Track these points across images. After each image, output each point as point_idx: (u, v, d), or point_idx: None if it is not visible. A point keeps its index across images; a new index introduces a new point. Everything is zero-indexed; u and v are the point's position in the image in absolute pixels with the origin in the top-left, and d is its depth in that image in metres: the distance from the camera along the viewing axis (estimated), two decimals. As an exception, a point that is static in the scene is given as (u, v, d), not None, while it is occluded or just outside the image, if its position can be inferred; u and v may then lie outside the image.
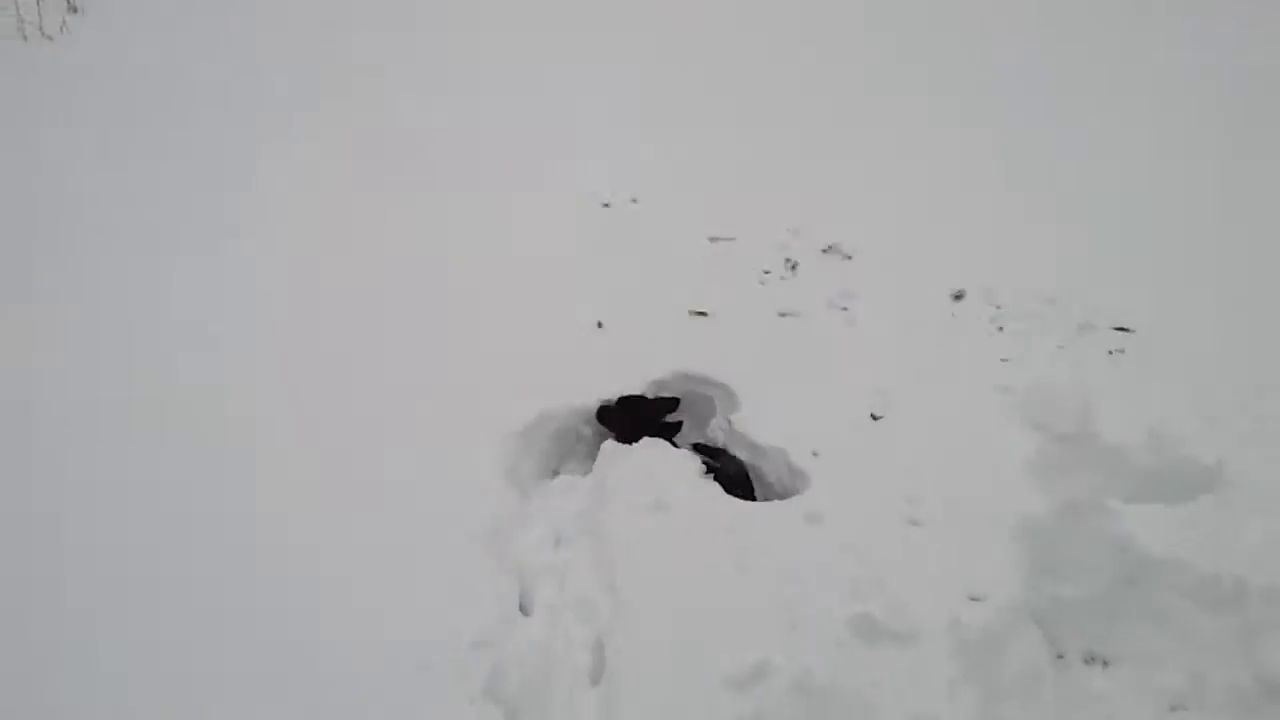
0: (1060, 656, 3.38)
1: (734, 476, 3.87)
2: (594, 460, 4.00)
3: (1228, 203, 5.70)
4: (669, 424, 4.17)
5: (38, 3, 7.63)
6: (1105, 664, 3.37)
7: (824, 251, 5.28)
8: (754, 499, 3.83)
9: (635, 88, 7.17)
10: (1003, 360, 4.39)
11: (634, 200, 5.73)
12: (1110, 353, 4.44)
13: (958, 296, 4.88)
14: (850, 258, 5.23)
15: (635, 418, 4.14)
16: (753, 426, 4.03)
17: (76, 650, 3.10)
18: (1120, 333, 4.57)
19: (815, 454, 3.89)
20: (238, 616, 3.21)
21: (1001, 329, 4.63)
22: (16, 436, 3.88)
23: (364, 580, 3.35)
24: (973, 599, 3.31)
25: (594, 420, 4.17)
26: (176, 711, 2.96)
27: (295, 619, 3.21)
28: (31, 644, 3.11)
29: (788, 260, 5.20)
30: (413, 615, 3.23)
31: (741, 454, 4.00)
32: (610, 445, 4.02)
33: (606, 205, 5.68)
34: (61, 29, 7.57)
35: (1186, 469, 3.75)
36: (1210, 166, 6.10)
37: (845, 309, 4.81)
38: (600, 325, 4.62)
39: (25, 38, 7.42)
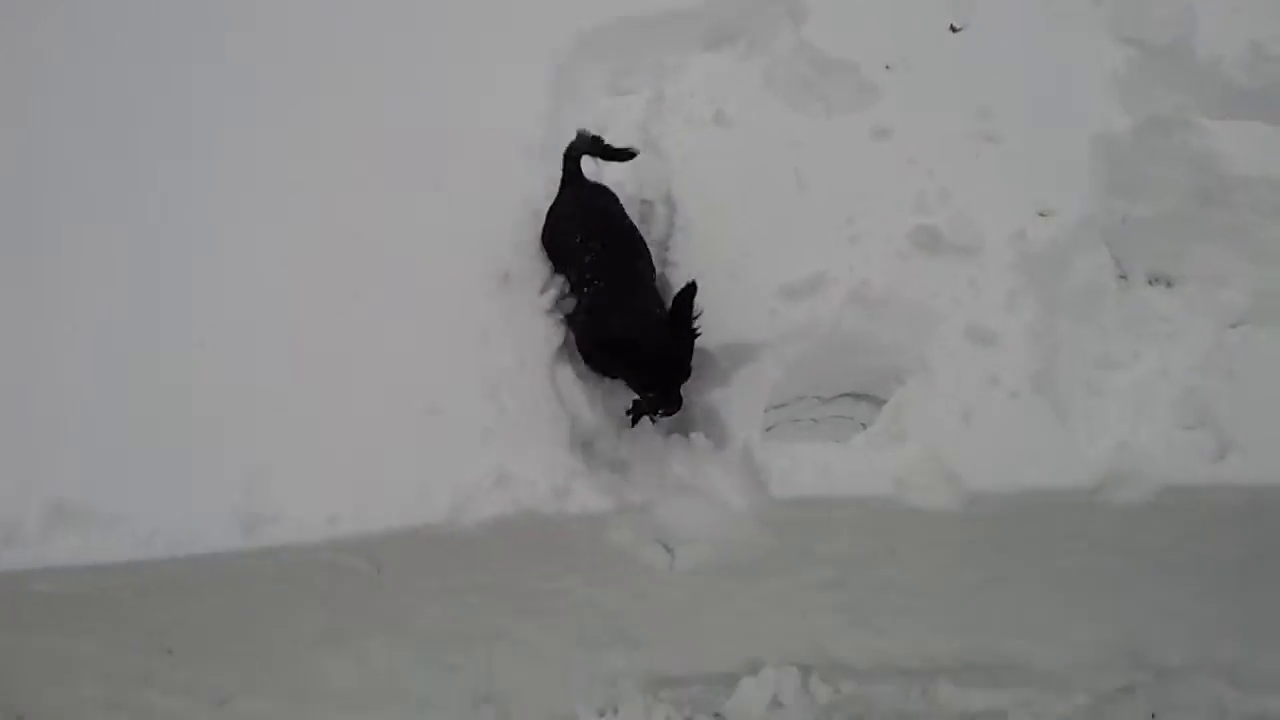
0: (1124, 277, 3.33)
1: None
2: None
3: None
4: None
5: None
6: (1169, 284, 3.32)
7: None
8: None
9: None
10: (1099, -34, 4.01)
11: None
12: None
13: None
14: None
15: None
16: (822, 38, 3.77)
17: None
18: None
19: (888, 67, 3.67)
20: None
21: (1102, -68, 4.19)
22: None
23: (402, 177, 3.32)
24: (1041, 214, 3.21)
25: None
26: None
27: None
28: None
29: None
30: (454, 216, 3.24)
31: (806, 67, 3.76)
32: (672, 59, 3.83)
33: None
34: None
35: (1293, 85, 3.50)
36: None
37: (930, -89, 4.37)
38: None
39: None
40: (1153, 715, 2.88)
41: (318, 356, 2.94)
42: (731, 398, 2.93)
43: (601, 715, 2.90)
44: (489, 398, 2.84)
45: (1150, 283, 3.34)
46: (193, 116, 3.57)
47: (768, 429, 2.98)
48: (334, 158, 3.38)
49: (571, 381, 2.94)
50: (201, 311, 3.06)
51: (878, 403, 3.01)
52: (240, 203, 3.30)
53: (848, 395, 3.11)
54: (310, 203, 3.28)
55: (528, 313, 3.06)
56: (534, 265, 3.17)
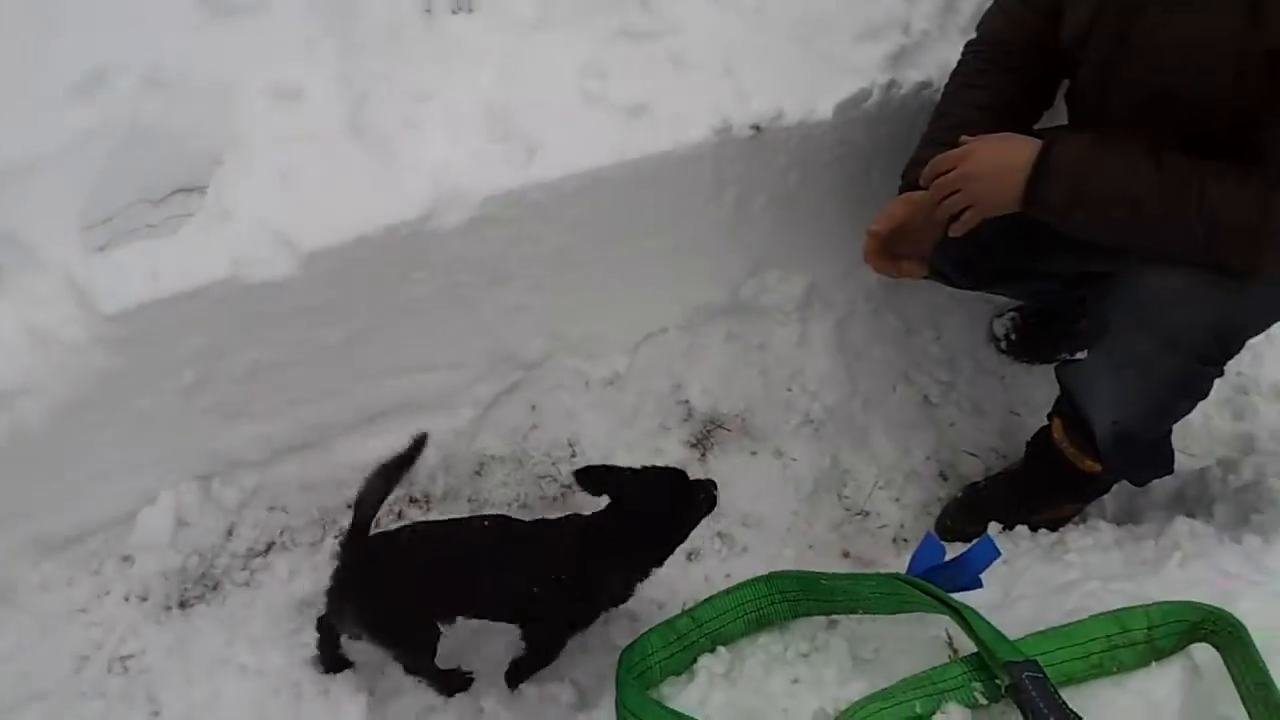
0: (429, 11, 3.38)
1: None
2: None
3: None
4: None
5: None
6: (470, 10, 3.43)
7: None
8: None
9: None
10: None
11: None
12: None
13: None
14: None
15: None
16: None
17: None
18: None
19: None
20: None
21: None
22: None
23: None
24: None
25: None
26: None
27: None
28: None
29: None
30: None
31: None
32: None
33: None
34: None
35: None
36: None
37: None
38: None
39: None
40: (533, 406, 3.21)
41: None
42: (35, 218, 2.64)
43: (-2, 596, 2.67)
44: None
45: (454, 12, 3.43)
46: None
47: (100, 248, 2.74)
48: None
49: None
50: None
51: (206, 191, 2.88)
52: None
53: (179, 191, 2.94)
54: None
55: None
56: None
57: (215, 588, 2.82)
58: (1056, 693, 2.07)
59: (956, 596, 2.22)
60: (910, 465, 3.38)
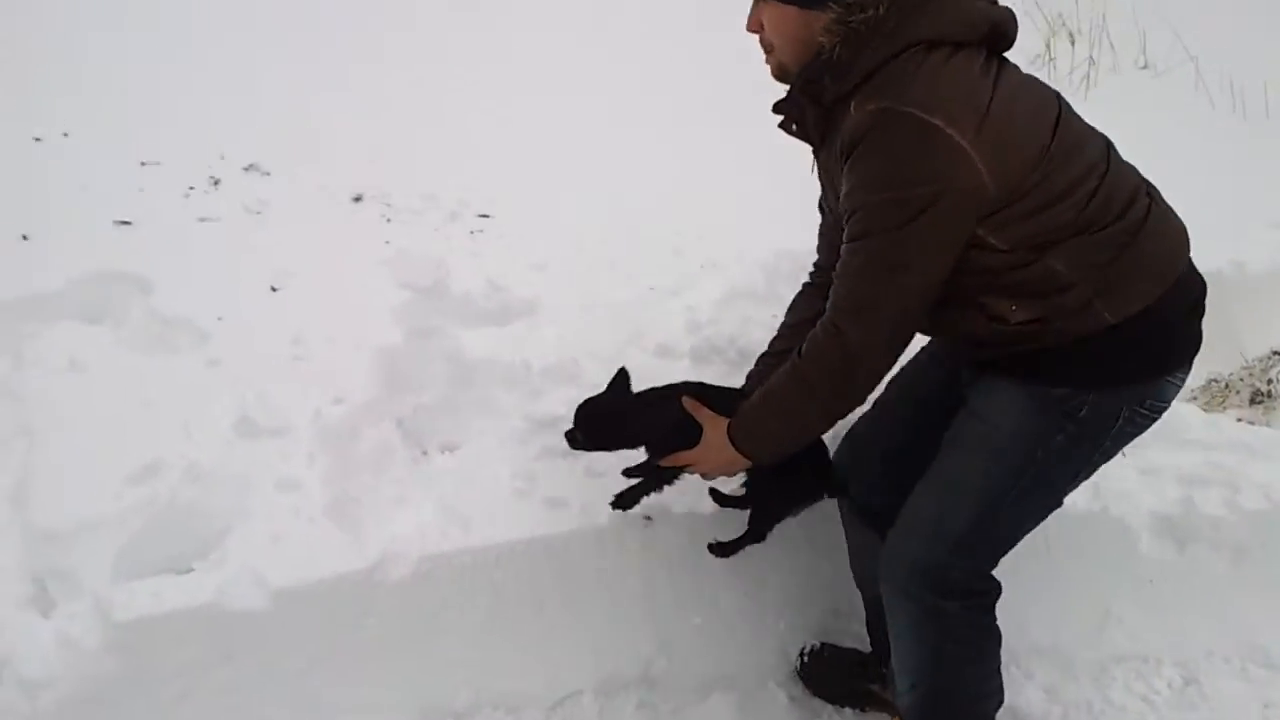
0: (425, 452, 4.46)
1: None
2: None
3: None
4: None
5: None
6: (453, 450, 4.49)
7: (245, 169, 6.04)
8: None
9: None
10: (386, 242, 5.43)
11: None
12: (471, 233, 5.65)
13: (357, 199, 5.87)
14: (269, 174, 6.03)
15: None
16: (164, 302, 4.71)
17: None
18: (481, 218, 5.80)
19: (220, 319, 4.67)
20: None
21: (389, 220, 5.69)
22: None
23: None
24: (336, 402, 4.26)
25: None
26: None
27: None
28: None
29: (211, 178, 5.90)
30: None
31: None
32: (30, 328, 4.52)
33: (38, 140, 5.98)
34: None
35: (512, 304, 5.02)
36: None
37: (259, 213, 5.62)
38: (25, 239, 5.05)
39: None
40: (459, 749, 3.73)
41: None
42: (84, 562, 3.50)
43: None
44: None
45: (443, 452, 4.48)
46: None
47: (125, 580, 3.51)
48: None
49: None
50: None
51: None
52: None
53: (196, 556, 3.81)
54: None
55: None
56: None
57: None
58: None
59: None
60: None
